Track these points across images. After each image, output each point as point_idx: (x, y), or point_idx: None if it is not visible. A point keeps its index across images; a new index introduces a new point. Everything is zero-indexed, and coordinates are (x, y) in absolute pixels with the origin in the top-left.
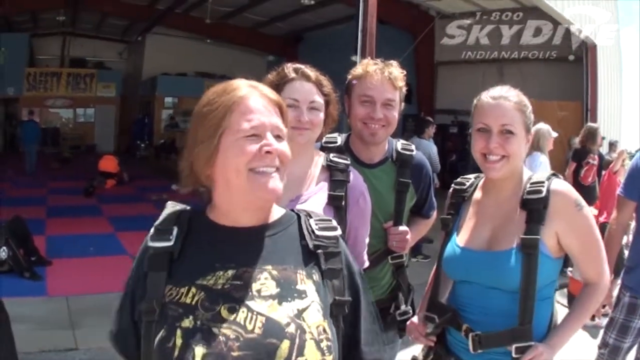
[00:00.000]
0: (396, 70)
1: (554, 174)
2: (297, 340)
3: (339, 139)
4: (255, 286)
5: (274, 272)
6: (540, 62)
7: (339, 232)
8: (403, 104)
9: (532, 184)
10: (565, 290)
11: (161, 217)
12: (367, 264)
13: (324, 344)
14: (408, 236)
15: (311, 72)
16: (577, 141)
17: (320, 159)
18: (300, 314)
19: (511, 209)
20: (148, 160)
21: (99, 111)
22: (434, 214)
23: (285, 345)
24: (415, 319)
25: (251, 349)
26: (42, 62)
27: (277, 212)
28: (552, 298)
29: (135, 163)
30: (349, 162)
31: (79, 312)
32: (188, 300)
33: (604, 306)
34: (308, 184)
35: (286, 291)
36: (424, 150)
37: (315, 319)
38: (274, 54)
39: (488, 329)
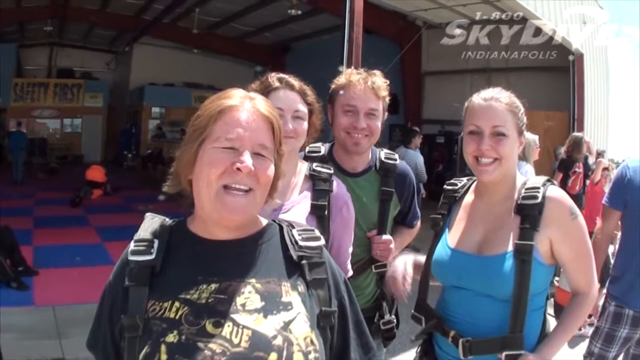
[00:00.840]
0: (379, 80)
1: (549, 180)
2: (284, 353)
3: (323, 148)
4: (239, 300)
5: (258, 286)
6: (527, 71)
7: (322, 242)
8: (386, 113)
9: (527, 189)
10: (552, 300)
11: (140, 230)
12: (350, 272)
13: (311, 356)
14: (392, 245)
15: (295, 81)
16: (562, 151)
17: (303, 168)
18: (286, 326)
19: (504, 212)
20: (135, 171)
21: (86, 121)
22: (418, 223)
23: (272, 357)
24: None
25: None
26: (30, 73)
27: (259, 223)
28: (544, 308)
29: (122, 173)
30: (332, 172)
31: (66, 321)
32: (172, 315)
33: (589, 316)
34: (291, 193)
35: (271, 304)
36: (410, 160)
37: (302, 331)
38: (262, 64)
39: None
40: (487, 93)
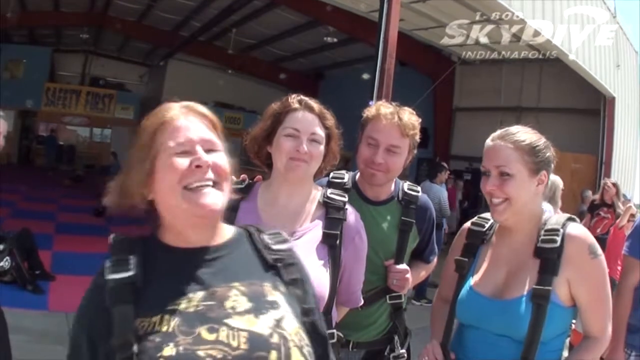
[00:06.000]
0: (409, 117)
1: (570, 218)
2: (282, 349)
3: (347, 175)
4: (228, 304)
5: (242, 288)
6: (558, 112)
7: (292, 244)
8: (415, 151)
9: (546, 231)
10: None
11: (112, 250)
12: (362, 301)
13: (305, 350)
14: (408, 275)
15: (315, 104)
16: (589, 194)
17: (317, 195)
18: (278, 323)
19: (526, 255)
20: None
21: (115, 132)
22: (435, 259)
23: (273, 356)
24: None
25: None
26: (63, 79)
27: (228, 231)
28: (561, 351)
29: None
30: (346, 200)
31: None
32: (164, 329)
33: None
34: (303, 220)
35: (259, 304)
36: (435, 195)
37: (293, 327)
38: (295, 89)
39: None
40: (497, 133)
